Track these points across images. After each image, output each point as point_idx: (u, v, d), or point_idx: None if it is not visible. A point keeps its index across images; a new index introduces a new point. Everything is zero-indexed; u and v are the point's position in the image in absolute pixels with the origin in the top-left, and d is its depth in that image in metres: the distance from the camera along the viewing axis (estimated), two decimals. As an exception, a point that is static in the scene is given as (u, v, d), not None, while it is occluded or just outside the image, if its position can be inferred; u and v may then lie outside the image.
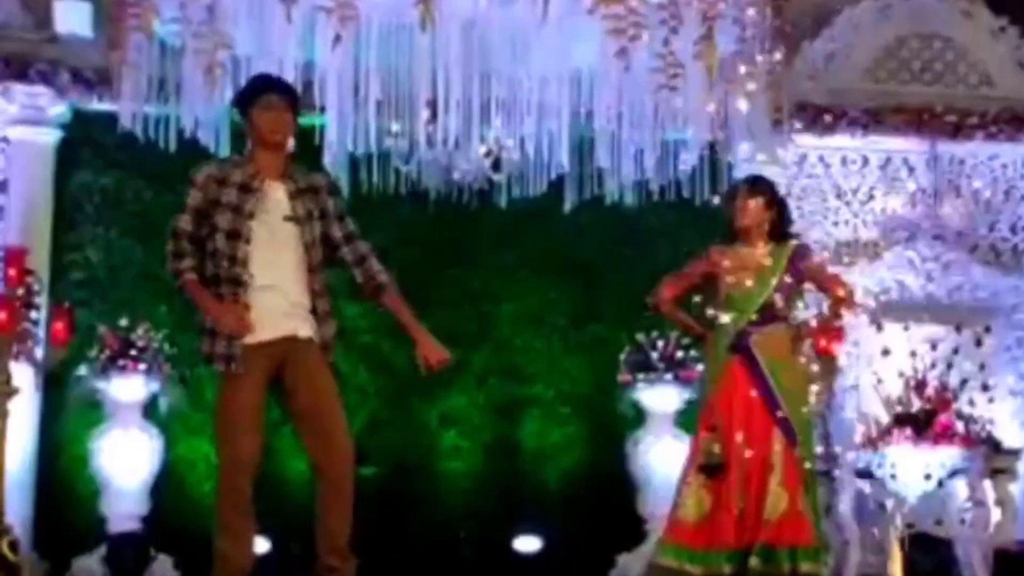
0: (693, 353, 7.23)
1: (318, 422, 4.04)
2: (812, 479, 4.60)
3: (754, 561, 4.27)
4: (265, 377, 4.01)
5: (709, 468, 4.37)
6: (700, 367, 7.19)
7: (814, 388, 4.96)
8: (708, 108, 6.00)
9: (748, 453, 4.32)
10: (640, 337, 7.33)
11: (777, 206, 4.70)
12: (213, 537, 4.06)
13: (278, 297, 4.02)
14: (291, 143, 4.21)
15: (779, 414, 4.42)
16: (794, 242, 4.66)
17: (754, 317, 4.49)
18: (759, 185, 4.72)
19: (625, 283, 7.74)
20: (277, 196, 4.05)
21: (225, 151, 6.15)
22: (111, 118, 6.44)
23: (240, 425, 3.95)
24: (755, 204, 4.61)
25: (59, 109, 7.26)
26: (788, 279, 4.52)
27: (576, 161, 6.56)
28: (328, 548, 4.07)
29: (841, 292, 4.69)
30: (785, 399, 4.46)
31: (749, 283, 4.49)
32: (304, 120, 5.76)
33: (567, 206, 6.73)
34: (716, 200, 5.44)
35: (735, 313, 4.52)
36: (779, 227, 4.66)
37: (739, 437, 4.36)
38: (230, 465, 3.97)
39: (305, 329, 4.05)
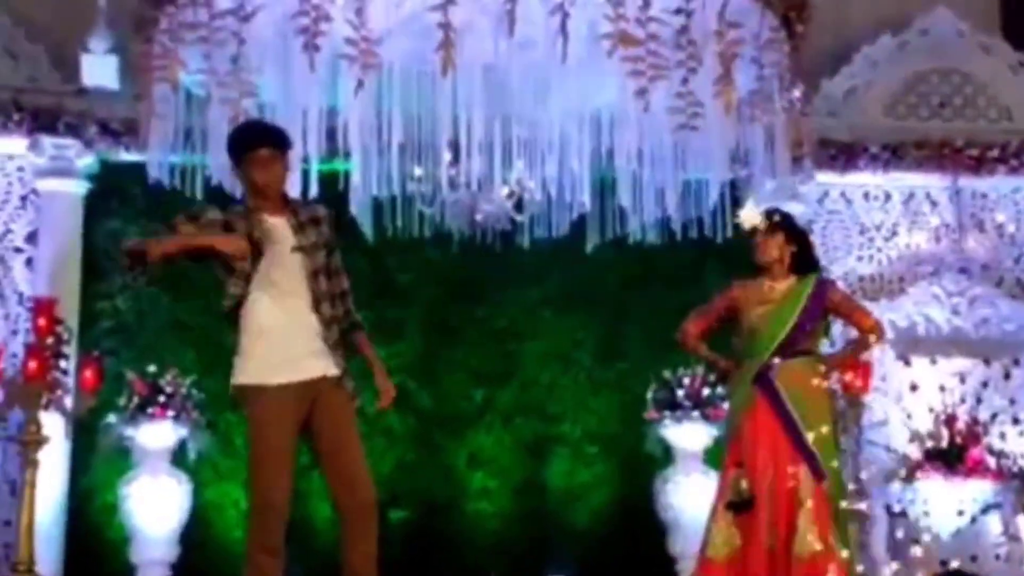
0: (720, 391, 7.22)
1: (339, 461, 4.03)
2: (844, 515, 4.55)
3: None
4: (295, 419, 4.01)
5: (738, 505, 4.32)
6: (727, 404, 7.19)
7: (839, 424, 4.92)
8: (728, 147, 6.03)
9: (773, 486, 4.28)
10: (667, 374, 7.33)
11: (797, 238, 4.68)
12: None
13: (298, 334, 4.03)
14: (285, 185, 4.22)
15: (805, 447, 4.37)
16: (816, 276, 4.63)
17: (776, 351, 4.46)
18: (776, 221, 4.70)
19: (650, 321, 7.75)
20: (282, 231, 4.08)
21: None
22: (138, 168, 6.52)
23: (270, 468, 3.94)
24: (774, 241, 4.60)
25: (87, 160, 7.36)
26: (810, 312, 4.49)
27: (598, 201, 6.59)
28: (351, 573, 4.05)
29: (868, 323, 4.67)
30: (809, 431, 4.41)
31: (770, 317, 4.47)
32: (328, 166, 5.87)
33: (590, 245, 6.76)
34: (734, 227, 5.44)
35: (757, 347, 4.50)
36: (801, 260, 4.64)
37: (766, 471, 4.33)
38: (260, 507, 3.96)
39: (331, 367, 4.04)
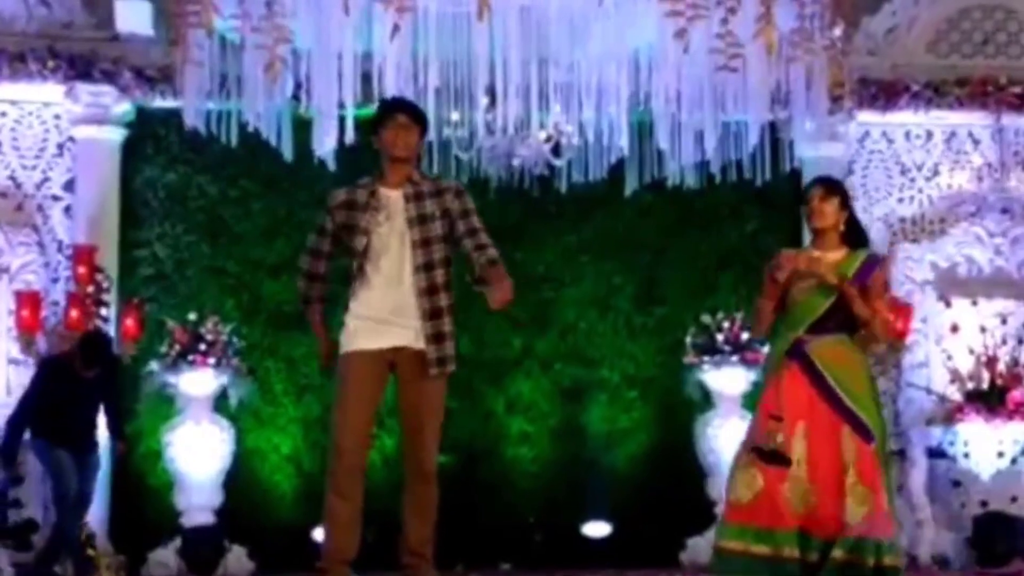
0: (759, 335, 7.20)
1: (408, 438, 4.23)
2: (888, 459, 4.53)
3: (838, 552, 4.21)
4: (373, 379, 4.17)
5: (766, 454, 4.28)
6: (766, 349, 7.16)
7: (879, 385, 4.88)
8: (768, 88, 5.95)
9: (807, 450, 4.24)
10: (705, 319, 7.30)
11: (850, 208, 4.61)
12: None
13: (389, 301, 4.17)
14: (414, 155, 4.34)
15: (846, 410, 4.32)
16: (867, 251, 4.54)
17: (812, 326, 4.40)
18: (834, 186, 4.62)
19: (688, 265, 7.72)
20: (397, 204, 4.22)
21: (287, 144, 6.22)
22: (174, 115, 6.52)
23: (344, 420, 4.14)
24: (831, 207, 4.51)
25: (123, 107, 7.36)
26: (855, 288, 4.41)
27: (636, 144, 6.53)
28: (408, 549, 4.24)
29: (884, 316, 4.51)
30: (850, 398, 4.36)
31: (811, 291, 4.40)
32: (363, 111, 5.84)
33: (628, 189, 6.71)
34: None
35: (794, 320, 4.44)
36: (854, 229, 4.56)
37: (801, 432, 4.28)
38: (332, 452, 4.16)
39: (413, 340, 4.18)
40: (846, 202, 4.54)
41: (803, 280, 4.40)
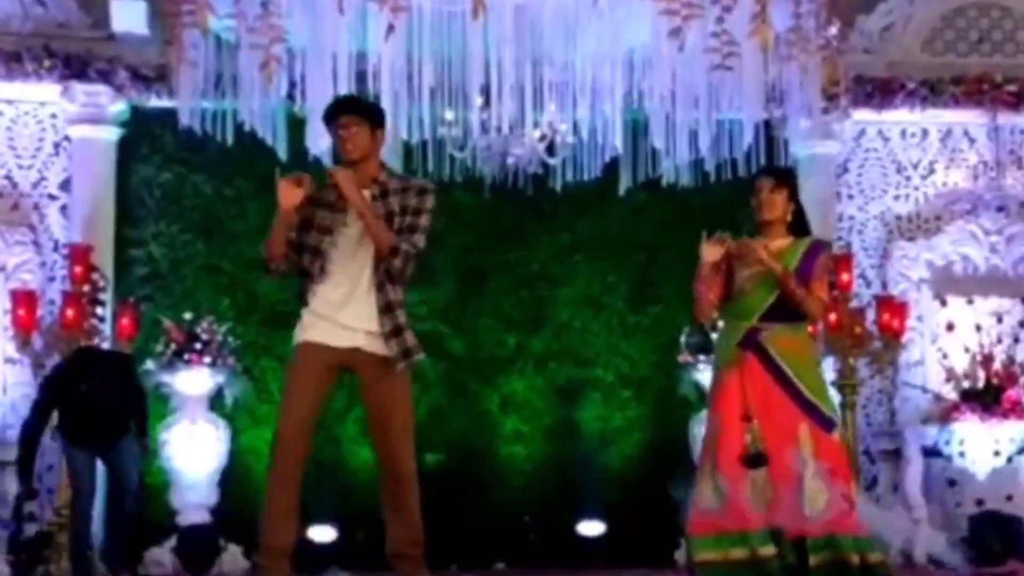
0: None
1: (379, 441, 4.19)
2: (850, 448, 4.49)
3: (816, 558, 4.15)
4: (321, 370, 4.12)
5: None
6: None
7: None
8: (763, 86, 5.95)
9: (766, 444, 4.19)
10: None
11: (796, 198, 4.54)
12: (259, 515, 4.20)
13: (346, 300, 4.12)
14: (370, 153, 4.23)
15: (805, 401, 4.25)
16: (811, 237, 4.48)
17: (763, 314, 4.34)
18: (783, 177, 4.56)
19: (682, 264, 7.65)
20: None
21: (282, 144, 6.23)
22: (169, 114, 6.52)
23: (287, 408, 4.10)
24: (780, 197, 4.44)
25: (118, 107, 7.36)
26: (801, 275, 4.34)
27: (630, 143, 6.54)
28: (395, 552, 4.18)
29: (817, 298, 4.42)
30: (808, 390, 4.29)
31: (760, 280, 4.34)
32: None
33: (622, 188, 6.71)
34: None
35: (745, 309, 4.37)
36: (800, 220, 4.50)
37: (750, 426, 4.22)
38: (273, 441, 4.14)
39: (368, 343, 4.13)
40: (794, 193, 4.48)
41: (747, 268, 4.36)
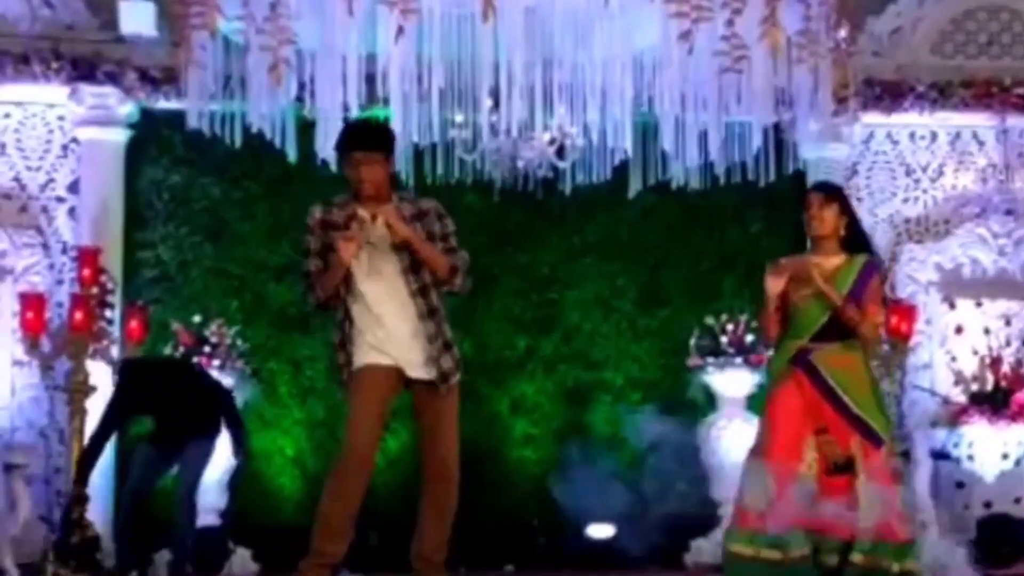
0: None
1: (428, 442, 4.31)
2: (899, 462, 4.56)
3: (857, 556, 4.21)
4: (386, 387, 4.23)
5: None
6: (769, 351, 7.16)
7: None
8: (772, 89, 5.94)
9: (817, 454, 4.25)
10: (709, 320, 7.29)
11: (851, 213, 4.57)
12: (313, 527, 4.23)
13: (388, 328, 4.22)
14: (384, 183, 4.29)
15: (853, 416, 4.31)
16: (866, 257, 4.50)
17: (816, 334, 4.39)
18: (833, 192, 4.59)
19: (692, 267, 7.72)
20: (380, 230, 4.20)
21: (290, 146, 6.22)
22: (178, 116, 6.52)
23: (355, 425, 4.19)
24: (830, 213, 4.47)
25: (127, 108, 7.36)
26: (854, 295, 4.39)
27: (640, 146, 6.53)
28: (421, 555, 4.28)
29: (874, 319, 4.47)
30: (857, 405, 4.34)
31: (814, 299, 4.37)
32: (367, 113, 5.84)
33: (632, 191, 6.70)
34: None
35: (799, 328, 4.41)
36: (854, 235, 4.53)
37: (828, 438, 4.29)
38: (342, 450, 4.21)
39: (418, 370, 4.24)
40: (845, 207, 4.51)
41: (804, 287, 4.39)
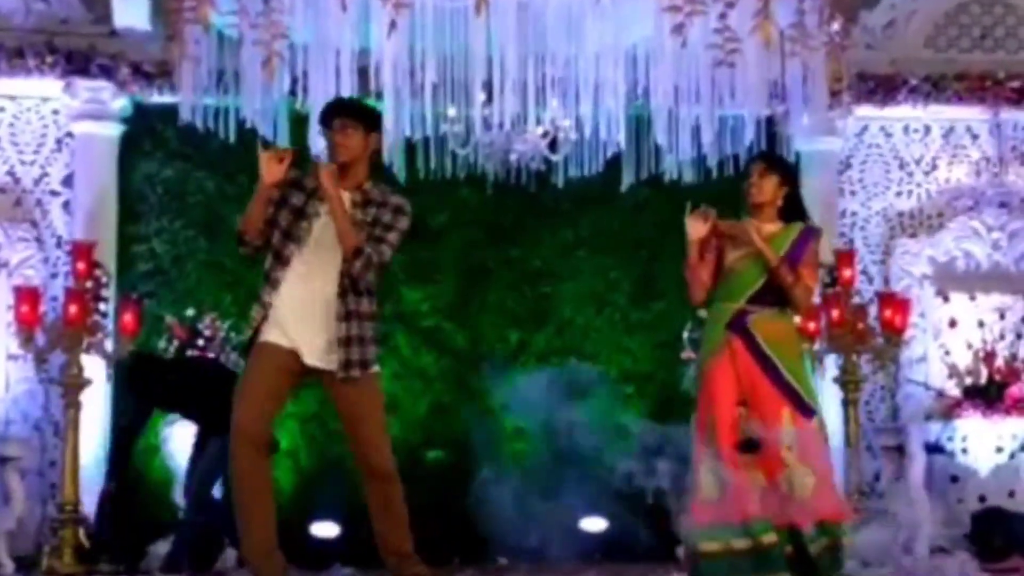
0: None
1: (352, 440, 4.22)
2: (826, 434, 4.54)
3: (814, 548, 4.21)
4: (274, 370, 4.14)
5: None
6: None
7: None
8: (765, 82, 5.95)
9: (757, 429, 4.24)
10: (702, 314, 7.28)
11: (791, 182, 4.59)
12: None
13: (297, 312, 4.14)
14: (358, 156, 4.26)
15: (787, 386, 4.30)
16: (803, 223, 4.52)
17: (751, 297, 4.39)
18: (774, 162, 4.62)
19: (684, 260, 7.70)
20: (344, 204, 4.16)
21: (284, 140, 6.22)
22: (171, 110, 6.52)
23: (244, 396, 4.11)
24: (769, 181, 4.50)
25: (121, 103, 7.36)
26: (790, 260, 4.39)
27: (633, 139, 6.53)
28: (387, 550, 4.22)
29: (807, 283, 4.46)
30: (791, 375, 4.34)
31: (749, 262, 4.38)
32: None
33: (624, 184, 6.71)
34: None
35: (733, 291, 4.41)
36: (792, 205, 4.54)
37: (743, 412, 4.28)
38: (232, 433, 4.14)
39: (312, 356, 4.14)
40: (787, 178, 4.52)
41: (739, 248, 4.39)
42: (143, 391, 6.23)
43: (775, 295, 4.37)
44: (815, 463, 4.23)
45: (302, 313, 4.12)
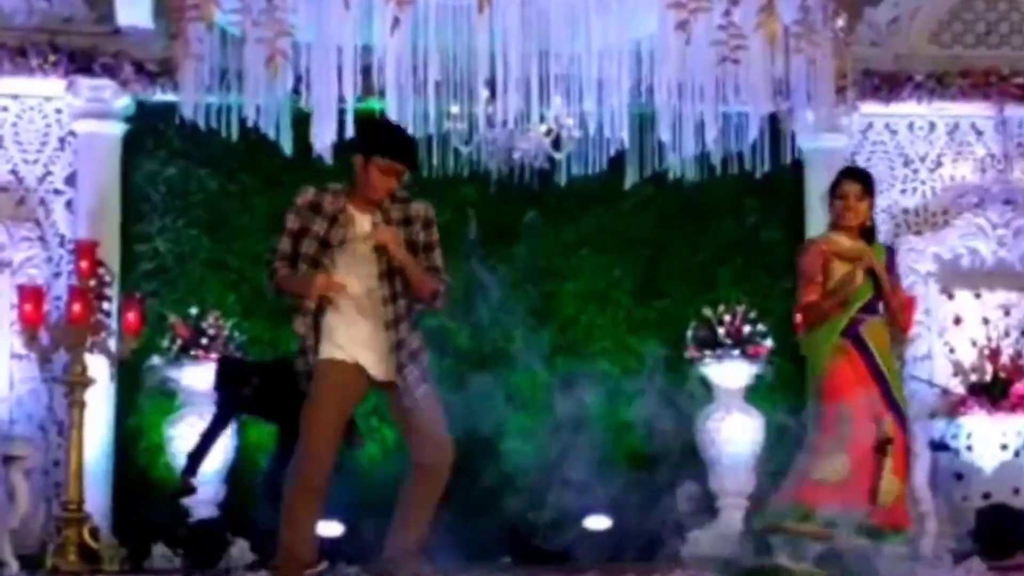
0: (761, 327, 7.19)
1: (418, 440, 4.26)
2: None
3: (863, 540, 4.31)
4: (347, 390, 4.17)
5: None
6: (768, 342, 7.16)
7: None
8: (770, 79, 5.93)
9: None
10: (707, 312, 7.28)
11: (873, 204, 4.78)
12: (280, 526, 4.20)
13: (356, 328, 4.16)
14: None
15: (893, 399, 4.48)
16: (883, 244, 4.76)
17: (863, 308, 4.55)
18: (870, 186, 4.72)
19: (689, 258, 7.71)
20: (364, 227, 4.16)
21: (286, 138, 6.21)
22: (174, 109, 6.51)
23: (316, 423, 4.11)
24: (864, 204, 4.61)
25: (123, 101, 7.36)
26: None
27: (636, 137, 6.52)
28: (399, 544, 4.24)
29: (904, 302, 4.74)
30: (894, 386, 4.52)
31: (860, 276, 4.53)
32: (363, 105, 5.83)
33: (628, 182, 6.70)
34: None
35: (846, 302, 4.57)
36: (873, 226, 4.74)
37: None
38: (301, 456, 4.13)
39: (378, 371, 4.18)
40: (873, 200, 4.69)
41: (845, 264, 4.50)
42: (228, 395, 6.31)
43: (878, 304, 4.51)
44: (902, 473, 4.37)
45: (358, 332, 4.15)
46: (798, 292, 4.64)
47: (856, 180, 4.67)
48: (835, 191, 4.63)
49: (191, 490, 6.47)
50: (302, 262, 4.14)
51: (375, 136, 4.26)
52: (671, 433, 7.36)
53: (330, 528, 6.91)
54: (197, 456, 6.33)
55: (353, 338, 4.13)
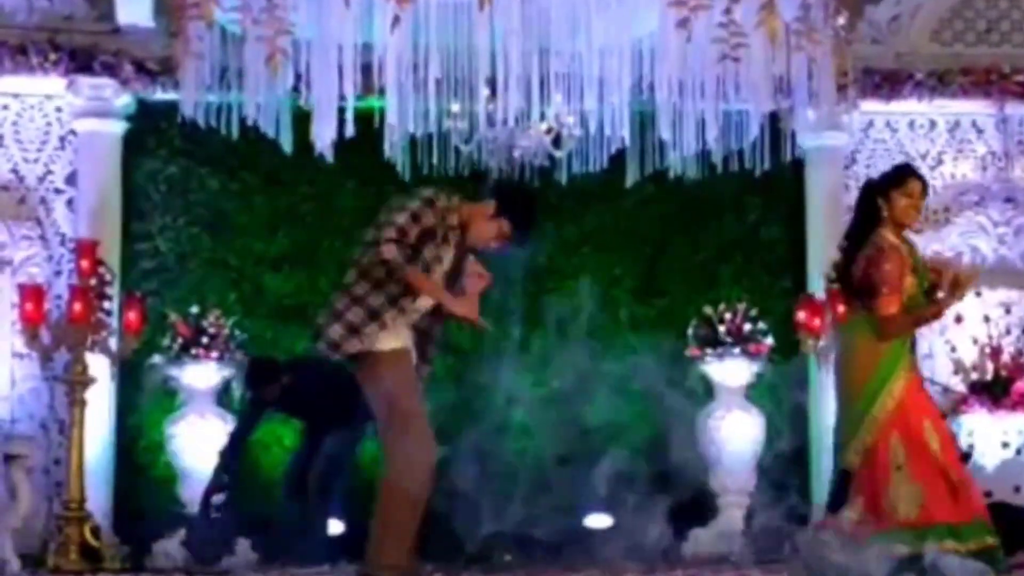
0: (761, 326, 7.19)
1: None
2: None
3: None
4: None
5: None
6: (769, 340, 7.16)
7: None
8: (770, 77, 5.93)
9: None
10: (707, 310, 7.28)
11: None
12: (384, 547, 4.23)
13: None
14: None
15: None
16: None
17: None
18: (927, 186, 4.78)
19: (690, 256, 7.71)
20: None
21: (286, 137, 6.20)
22: (174, 107, 6.51)
23: (422, 428, 4.33)
24: (922, 205, 4.68)
25: (124, 100, 7.36)
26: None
27: (637, 135, 6.51)
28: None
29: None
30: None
31: (918, 287, 4.59)
32: (363, 103, 5.83)
33: (629, 180, 6.69)
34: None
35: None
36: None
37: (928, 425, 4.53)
38: (412, 462, 4.24)
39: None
40: None
41: (912, 275, 4.52)
42: (259, 394, 6.44)
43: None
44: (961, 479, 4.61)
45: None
46: (877, 299, 4.49)
47: (921, 180, 4.67)
48: (900, 187, 4.56)
49: (224, 488, 6.55)
50: (419, 260, 4.39)
51: (520, 208, 4.67)
52: (671, 431, 7.38)
53: (332, 526, 6.91)
54: (230, 454, 6.48)
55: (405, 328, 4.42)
